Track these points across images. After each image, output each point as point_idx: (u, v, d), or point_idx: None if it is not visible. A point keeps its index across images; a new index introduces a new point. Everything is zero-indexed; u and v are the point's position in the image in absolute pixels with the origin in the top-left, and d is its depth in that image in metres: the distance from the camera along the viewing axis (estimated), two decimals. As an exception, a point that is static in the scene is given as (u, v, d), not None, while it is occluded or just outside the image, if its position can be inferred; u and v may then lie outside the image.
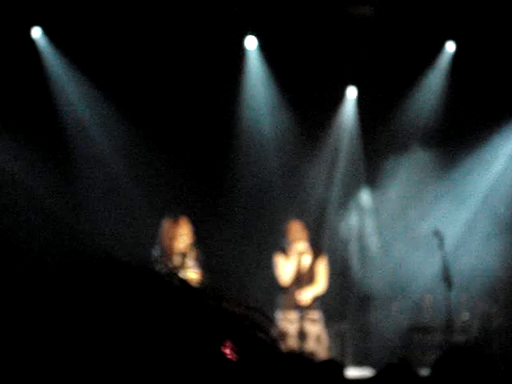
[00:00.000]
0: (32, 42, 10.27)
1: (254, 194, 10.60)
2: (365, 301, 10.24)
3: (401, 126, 10.53)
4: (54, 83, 10.38)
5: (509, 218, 10.19)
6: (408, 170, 10.19)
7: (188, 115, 10.27)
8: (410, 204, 10.22)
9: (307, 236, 8.93)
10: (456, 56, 10.62)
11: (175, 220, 8.58)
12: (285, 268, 8.85)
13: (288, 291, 8.81)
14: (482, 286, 9.80)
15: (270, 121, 10.73)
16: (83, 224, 9.99)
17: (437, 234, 8.71)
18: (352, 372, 9.05)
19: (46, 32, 10.28)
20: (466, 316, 9.62)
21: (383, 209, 10.31)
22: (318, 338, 8.72)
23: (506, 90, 10.05)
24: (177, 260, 8.46)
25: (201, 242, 8.62)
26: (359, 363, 9.58)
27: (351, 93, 10.91)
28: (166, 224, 8.59)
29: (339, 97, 10.87)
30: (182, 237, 8.50)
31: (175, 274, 0.99)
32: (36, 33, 10.31)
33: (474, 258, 9.76)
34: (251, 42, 10.65)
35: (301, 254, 8.82)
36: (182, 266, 8.43)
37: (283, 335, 8.69)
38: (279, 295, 8.89)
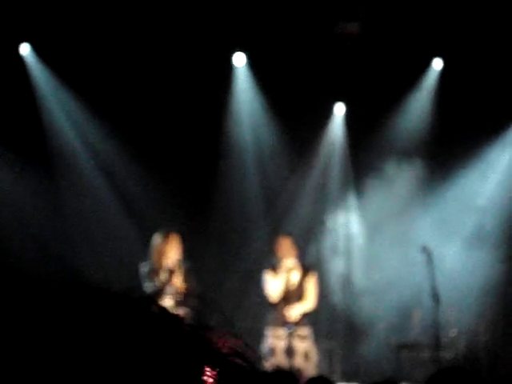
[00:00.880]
0: (20, 58, 10.26)
1: (241, 211, 10.59)
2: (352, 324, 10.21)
3: (388, 143, 10.55)
4: (43, 100, 10.36)
5: (497, 233, 10.21)
6: (395, 185, 10.20)
7: (177, 132, 10.26)
8: (397, 219, 10.22)
9: (296, 253, 8.93)
10: (443, 73, 10.68)
11: (165, 236, 8.58)
12: (273, 285, 8.85)
13: (277, 308, 8.80)
14: (469, 301, 9.80)
15: (258, 137, 10.74)
16: (69, 247, 9.89)
17: (425, 250, 8.71)
18: (341, 389, 9.04)
19: (35, 48, 10.28)
20: (454, 332, 9.62)
21: (370, 223, 10.30)
22: (306, 355, 8.71)
23: (493, 106, 10.09)
24: (163, 276, 8.44)
25: (191, 258, 8.62)
26: (348, 380, 9.56)
27: (339, 109, 10.93)
28: (156, 239, 8.59)
29: (327, 113, 10.89)
30: (171, 253, 8.50)
31: (154, 301, 0.99)
32: (24, 49, 10.31)
33: (461, 272, 9.76)
34: (240, 59, 10.67)
35: (289, 270, 8.82)
36: (168, 283, 8.41)
37: (272, 352, 8.68)
38: (268, 312, 8.89)
